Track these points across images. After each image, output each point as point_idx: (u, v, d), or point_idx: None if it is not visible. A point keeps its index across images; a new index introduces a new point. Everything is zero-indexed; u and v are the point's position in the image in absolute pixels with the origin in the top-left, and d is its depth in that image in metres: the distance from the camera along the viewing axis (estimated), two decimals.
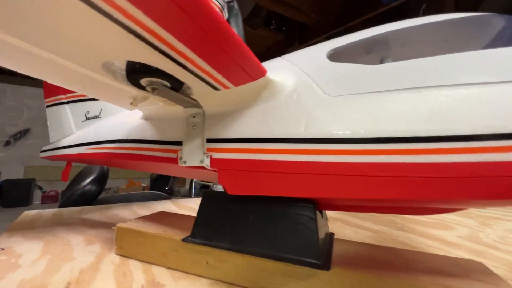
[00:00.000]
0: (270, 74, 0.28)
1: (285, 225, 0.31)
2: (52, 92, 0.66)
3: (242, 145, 0.30)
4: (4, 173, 3.68)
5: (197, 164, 0.33)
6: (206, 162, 0.32)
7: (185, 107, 0.35)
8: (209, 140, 0.33)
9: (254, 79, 0.27)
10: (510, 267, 0.41)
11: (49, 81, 0.29)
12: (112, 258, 0.39)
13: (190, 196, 2.70)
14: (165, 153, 0.37)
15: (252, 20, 2.34)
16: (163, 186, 3.68)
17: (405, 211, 0.31)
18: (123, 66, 0.26)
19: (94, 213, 0.64)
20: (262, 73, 0.27)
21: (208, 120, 0.34)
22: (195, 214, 0.36)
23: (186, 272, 0.35)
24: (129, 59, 0.23)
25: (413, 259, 0.32)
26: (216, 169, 0.32)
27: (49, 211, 0.65)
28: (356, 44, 0.29)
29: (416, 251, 0.35)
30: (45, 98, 0.68)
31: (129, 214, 0.64)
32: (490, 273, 0.30)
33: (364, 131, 0.24)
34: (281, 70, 0.30)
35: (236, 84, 0.27)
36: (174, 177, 3.61)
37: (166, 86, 0.28)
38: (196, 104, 0.33)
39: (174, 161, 0.36)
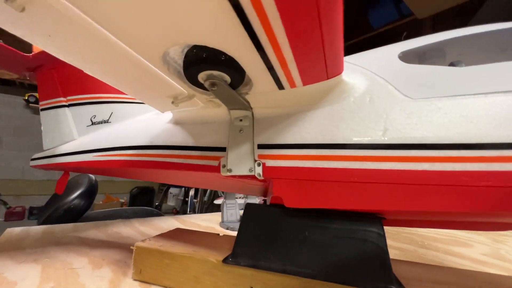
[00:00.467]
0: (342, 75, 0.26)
1: (349, 243, 0.27)
2: (49, 94, 0.59)
3: (304, 151, 0.27)
4: None
5: (245, 173, 0.29)
6: (258, 171, 0.29)
7: (230, 109, 0.31)
8: (261, 146, 0.29)
9: (328, 78, 0.24)
10: None
11: (87, 69, 0.24)
12: (130, 284, 0.33)
13: (185, 213, 2.53)
14: (203, 161, 0.33)
15: None
16: (145, 202, 3.50)
17: (479, 226, 0.29)
18: (180, 58, 0.23)
19: (91, 230, 0.57)
20: (339, 71, 0.24)
21: (258, 123, 0.30)
22: (209, 231, 0.32)
23: None
24: (205, 41, 0.20)
25: (483, 280, 0.30)
26: (271, 179, 0.28)
27: (37, 228, 0.56)
28: (428, 46, 0.28)
29: (473, 270, 0.33)
30: (41, 100, 0.61)
31: (132, 232, 0.57)
32: None
33: (459, 136, 0.22)
34: (346, 71, 0.28)
35: (307, 82, 0.25)
36: (165, 193, 3.44)
37: (226, 81, 0.25)
38: (246, 106, 0.30)
39: (215, 169, 0.31)
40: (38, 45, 0.21)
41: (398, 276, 0.29)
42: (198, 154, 0.33)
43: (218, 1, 0.15)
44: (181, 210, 3.69)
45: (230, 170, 0.30)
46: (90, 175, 1.01)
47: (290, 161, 0.27)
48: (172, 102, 0.29)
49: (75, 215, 0.84)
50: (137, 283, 0.34)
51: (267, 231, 0.30)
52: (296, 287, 0.28)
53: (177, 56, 0.23)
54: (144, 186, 3.63)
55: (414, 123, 0.23)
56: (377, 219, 0.27)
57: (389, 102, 0.25)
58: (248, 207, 0.32)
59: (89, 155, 0.46)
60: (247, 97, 0.29)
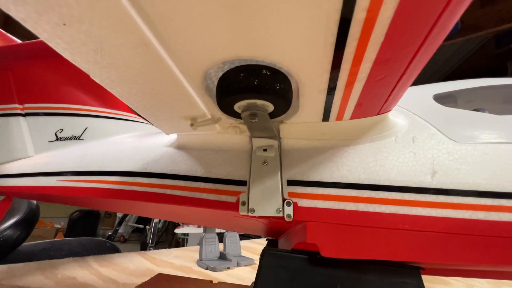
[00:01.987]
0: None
1: None
2: (0, 99, 0.48)
3: (344, 191, 0.24)
4: None
5: (271, 214, 0.25)
6: (288, 212, 0.25)
7: (253, 136, 0.27)
8: (292, 183, 0.25)
9: (379, 114, 0.23)
10: None
11: (97, 74, 0.18)
12: None
13: (148, 245, 2.17)
14: (216, 195, 0.27)
15: None
16: (88, 229, 3.08)
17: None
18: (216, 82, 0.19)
19: (33, 275, 0.44)
20: (391, 108, 0.23)
21: (287, 156, 0.27)
22: (195, 276, 0.26)
23: None
24: (279, 59, 0.16)
25: None
26: (304, 221, 0.24)
27: None
28: (459, 91, 0.29)
29: None
30: None
31: (91, 276, 0.46)
32: None
33: (509, 184, 0.21)
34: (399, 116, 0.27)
35: (356, 116, 0.22)
36: (111, 217, 3.05)
37: (267, 110, 0.21)
38: (274, 135, 0.26)
39: (231, 207, 0.26)
40: (41, 36, 0.15)
41: None
42: (209, 187, 0.28)
43: (326, 14, 0.12)
44: (128, 238, 3.28)
45: (252, 210, 0.25)
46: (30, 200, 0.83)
47: (328, 201, 0.24)
48: (191, 125, 0.24)
49: (6, 249, 0.67)
50: None
51: (292, 282, 0.26)
52: None
53: (218, 74, 0.19)
54: (87, 210, 3.20)
55: (467, 168, 0.23)
56: (416, 270, 0.25)
57: (435, 143, 0.24)
58: (267, 254, 0.27)
59: (51, 178, 0.36)
60: (281, 126, 0.25)
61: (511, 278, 0.29)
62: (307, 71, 0.17)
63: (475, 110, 0.28)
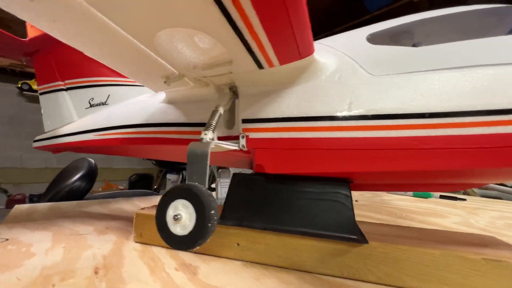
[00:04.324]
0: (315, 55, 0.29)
1: (321, 203, 0.32)
2: (47, 79, 0.62)
3: (282, 124, 0.31)
4: None
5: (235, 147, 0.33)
6: (242, 143, 0.32)
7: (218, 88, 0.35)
8: (245, 121, 0.33)
9: (302, 57, 0.28)
10: None
11: (88, 52, 0.27)
12: (133, 245, 0.38)
13: None
14: (195, 135, 0.36)
15: None
16: (144, 188, 3.56)
17: (434, 187, 0.33)
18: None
19: (94, 206, 0.61)
20: (311, 50, 0.27)
21: (242, 101, 0.34)
22: None
23: (215, 256, 0.35)
24: (190, 26, 0.23)
25: (437, 235, 0.34)
26: (253, 149, 0.32)
27: (44, 205, 0.60)
28: (392, 29, 0.31)
29: (433, 229, 0.38)
30: (39, 84, 0.63)
31: (132, 207, 0.62)
32: (504, 243, 0.33)
33: (411, 107, 0.26)
34: (319, 52, 0.31)
35: (283, 61, 0.28)
36: (160, 177, 3.49)
37: None
38: (228, 85, 0.33)
39: None
40: (44, 29, 0.24)
41: (364, 231, 0.34)
42: (190, 129, 0.37)
43: None
44: None
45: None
46: (90, 160, 1.04)
47: (269, 133, 0.31)
48: (165, 82, 0.32)
49: (77, 196, 0.88)
50: (138, 244, 0.38)
51: (251, 196, 0.34)
52: (273, 242, 0.32)
53: (167, 39, 0.26)
54: (143, 173, 3.68)
55: (376, 97, 0.27)
56: (345, 183, 0.31)
57: (356, 79, 0.28)
58: (234, 176, 0.36)
59: (89, 134, 0.49)
60: (232, 76, 0.32)
61: (440, 189, 0.34)
62: (216, 35, 0.23)
63: (413, 44, 0.31)
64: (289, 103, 0.31)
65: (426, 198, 0.97)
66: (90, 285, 0.26)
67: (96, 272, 0.29)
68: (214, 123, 0.30)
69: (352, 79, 0.28)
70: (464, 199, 0.94)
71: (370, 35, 0.31)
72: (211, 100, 0.36)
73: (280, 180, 0.34)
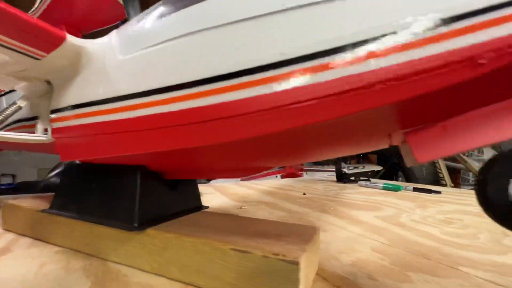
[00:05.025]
0: (78, 41, 0.29)
1: (114, 190, 0.32)
2: None
3: (65, 113, 0.31)
4: (18, 176, 3.89)
5: (44, 138, 0.34)
6: (49, 134, 0.34)
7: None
8: (51, 112, 0.34)
9: (57, 45, 0.28)
10: (392, 242, 0.39)
11: None
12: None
13: None
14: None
15: None
16: None
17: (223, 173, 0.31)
18: None
19: None
20: (60, 39, 0.28)
21: (54, 93, 0.35)
22: None
23: (46, 242, 0.37)
24: None
25: (249, 225, 0.32)
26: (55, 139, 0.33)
27: None
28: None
29: (262, 219, 0.35)
30: None
31: None
32: (312, 234, 0.29)
33: (133, 87, 0.24)
34: (103, 39, 0.31)
35: (47, 51, 0.28)
36: None
37: None
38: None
39: None
40: None
41: (184, 222, 0.32)
42: (29, 123, 0.39)
43: None
44: None
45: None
46: None
47: (62, 122, 0.32)
48: None
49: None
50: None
51: (71, 186, 0.36)
52: (84, 230, 0.33)
53: None
54: None
55: (119, 78, 0.26)
56: (134, 170, 0.31)
57: (110, 62, 0.28)
58: (64, 166, 0.38)
59: None
60: (28, 72, 0.33)
61: (245, 173, 0.31)
62: None
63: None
64: (70, 94, 0.31)
65: (396, 191, 0.88)
66: None
67: None
68: (2, 115, 0.31)
69: (109, 63, 0.28)
70: (439, 192, 0.84)
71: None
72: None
73: (89, 169, 0.34)
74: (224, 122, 0.21)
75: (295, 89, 0.18)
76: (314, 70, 0.17)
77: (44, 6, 0.51)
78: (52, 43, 0.28)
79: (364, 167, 1.82)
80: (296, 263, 0.22)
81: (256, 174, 2.14)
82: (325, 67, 0.17)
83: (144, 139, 0.25)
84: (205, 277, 0.25)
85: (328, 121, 0.18)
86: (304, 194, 0.80)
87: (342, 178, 1.05)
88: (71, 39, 0.28)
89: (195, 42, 0.22)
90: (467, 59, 0.14)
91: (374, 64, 0.16)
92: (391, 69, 0.15)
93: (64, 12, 0.52)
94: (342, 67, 0.16)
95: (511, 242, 0.40)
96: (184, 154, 0.27)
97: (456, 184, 1.77)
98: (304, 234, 0.28)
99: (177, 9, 0.24)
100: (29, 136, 0.33)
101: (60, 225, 0.35)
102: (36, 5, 0.52)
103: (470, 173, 1.71)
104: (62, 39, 0.28)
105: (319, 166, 1.57)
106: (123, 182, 0.31)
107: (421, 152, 0.18)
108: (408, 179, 2.02)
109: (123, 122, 0.26)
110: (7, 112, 0.32)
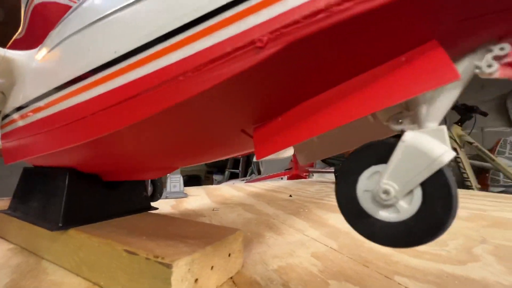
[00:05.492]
0: (10, 54, 0.31)
1: (48, 192, 0.33)
2: None
3: (8, 118, 0.34)
4: None
5: None
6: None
7: None
8: (2, 118, 0.36)
9: None
10: (342, 247, 0.37)
11: None
12: None
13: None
14: None
15: None
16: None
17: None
18: None
19: None
20: None
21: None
22: None
23: (5, 239, 0.39)
24: None
25: (172, 226, 0.31)
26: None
27: None
28: None
29: (191, 221, 0.34)
30: None
31: None
32: (235, 240, 0.28)
33: (48, 84, 0.26)
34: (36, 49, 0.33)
35: None
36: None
37: None
38: None
39: None
40: None
41: (113, 223, 0.33)
42: None
43: None
44: None
45: None
46: None
47: (7, 127, 0.34)
48: None
49: None
50: None
51: (23, 189, 0.38)
52: (27, 227, 0.35)
53: None
54: (192, 174, 4.02)
55: (37, 78, 0.28)
56: (64, 172, 0.32)
57: (32, 65, 0.30)
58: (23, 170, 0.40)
59: None
60: None
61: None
62: None
63: None
64: (11, 99, 0.33)
65: None
66: None
67: None
68: None
69: (31, 67, 0.30)
70: None
71: None
72: None
73: (32, 173, 0.37)
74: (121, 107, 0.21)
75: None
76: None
77: (25, 26, 0.56)
78: None
79: None
80: (170, 266, 0.21)
81: (262, 175, 2.11)
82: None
83: (65, 133, 0.26)
84: (106, 277, 0.26)
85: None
86: (290, 196, 0.78)
87: None
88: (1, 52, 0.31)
89: (74, 42, 0.23)
90: (248, 43, 0.12)
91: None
92: (185, 62, 0.14)
93: (43, 29, 0.56)
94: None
95: (482, 250, 0.35)
96: (104, 152, 0.28)
97: (484, 185, 1.59)
98: (215, 236, 0.27)
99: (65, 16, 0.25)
100: None
101: (13, 225, 0.38)
102: (20, 29, 0.57)
103: (501, 174, 1.53)
104: None
105: (327, 168, 1.51)
106: (55, 184, 0.33)
107: (262, 147, 0.16)
108: None
109: (46, 120, 0.27)
110: None
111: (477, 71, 0.13)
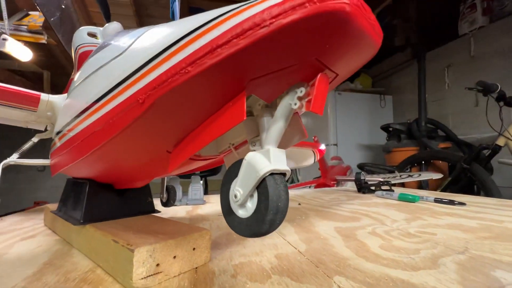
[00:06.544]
0: (49, 97, 0.44)
1: (76, 197, 0.45)
2: None
3: (52, 141, 0.46)
4: None
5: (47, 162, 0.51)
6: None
7: None
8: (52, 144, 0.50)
9: (37, 102, 0.43)
10: (308, 251, 0.40)
11: None
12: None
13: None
14: None
15: None
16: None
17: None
18: None
19: None
20: (36, 98, 0.43)
21: None
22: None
23: (55, 232, 0.53)
24: None
25: (156, 225, 0.39)
26: None
27: None
28: None
29: (174, 221, 0.42)
30: None
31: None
32: (201, 237, 0.35)
33: (70, 115, 0.37)
34: None
35: (35, 106, 0.44)
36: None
37: None
38: None
39: None
40: None
41: (118, 222, 0.43)
42: None
43: None
44: None
45: None
46: None
47: (51, 148, 0.47)
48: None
49: None
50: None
51: (63, 194, 0.51)
52: (64, 224, 0.47)
53: None
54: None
55: (66, 110, 0.40)
56: (85, 183, 0.43)
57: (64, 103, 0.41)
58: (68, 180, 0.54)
59: None
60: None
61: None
62: None
63: None
64: (55, 127, 0.46)
65: (412, 202, 0.79)
66: None
67: None
68: (22, 149, 0.49)
69: (63, 104, 0.42)
70: (463, 204, 0.71)
71: None
72: None
73: (69, 183, 0.49)
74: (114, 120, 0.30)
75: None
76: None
77: (76, 69, 0.73)
78: (33, 101, 0.43)
79: (420, 175, 1.59)
80: (132, 251, 0.28)
81: (295, 183, 2.13)
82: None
83: (78, 149, 0.36)
84: (103, 260, 0.35)
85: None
86: (299, 204, 0.81)
87: (361, 187, 0.99)
88: (44, 97, 0.44)
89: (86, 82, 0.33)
90: (134, 102, 0.19)
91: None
92: (111, 112, 0.22)
93: None
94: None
95: (450, 260, 0.35)
96: (106, 167, 0.37)
97: None
98: (182, 233, 0.34)
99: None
100: (38, 160, 0.50)
101: (58, 222, 0.50)
102: (73, 71, 0.75)
103: None
104: (38, 98, 0.43)
105: (352, 175, 1.47)
106: (80, 191, 0.44)
107: (171, 161, 0.23)
108: (488, 194, 1.61)
109: (70, 140, 0.38)
110: (25, 146, 0.50)
111: (292, 107, 0.18)
